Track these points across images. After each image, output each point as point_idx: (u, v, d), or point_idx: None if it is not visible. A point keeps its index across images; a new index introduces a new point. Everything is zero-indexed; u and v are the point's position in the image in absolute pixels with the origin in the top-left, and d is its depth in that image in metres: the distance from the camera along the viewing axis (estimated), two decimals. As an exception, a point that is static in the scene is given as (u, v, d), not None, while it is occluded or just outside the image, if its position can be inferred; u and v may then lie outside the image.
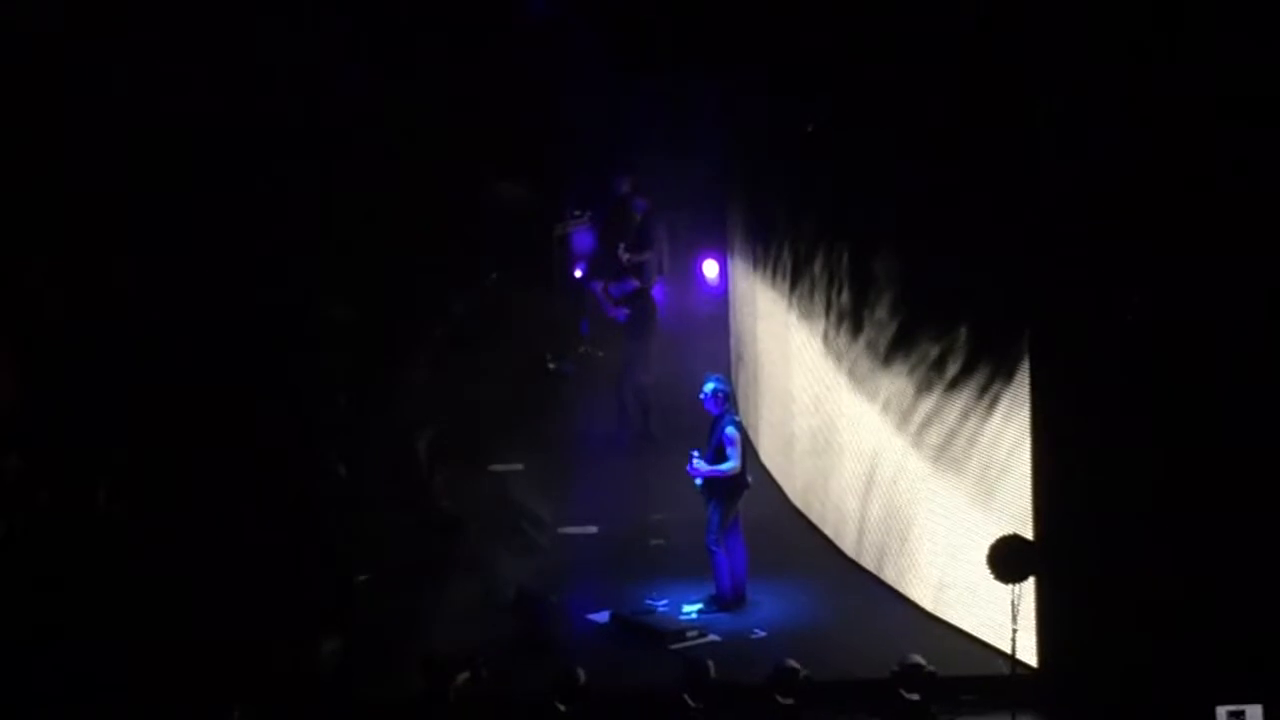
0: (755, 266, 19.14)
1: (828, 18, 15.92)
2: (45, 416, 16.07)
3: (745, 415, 17.86)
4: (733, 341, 20.25)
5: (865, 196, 15.76)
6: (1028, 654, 13.85)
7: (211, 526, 15.44)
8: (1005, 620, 13.25)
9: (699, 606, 15.70)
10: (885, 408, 15.93)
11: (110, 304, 18.04)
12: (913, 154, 14.79)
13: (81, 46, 17.26)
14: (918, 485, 15.49)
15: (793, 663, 12.94)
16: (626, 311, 19.57)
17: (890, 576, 15.98)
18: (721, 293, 20.78)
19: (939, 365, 15.07)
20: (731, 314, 20.39)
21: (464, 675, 13.16)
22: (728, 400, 15.84)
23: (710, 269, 20.93)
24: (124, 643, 13.83)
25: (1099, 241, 13.37)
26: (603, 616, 15.69)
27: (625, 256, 19.99)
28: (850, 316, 16.42)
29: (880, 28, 15.04)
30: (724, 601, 15.73)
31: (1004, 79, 13.70)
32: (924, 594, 15.51)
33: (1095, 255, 13.38)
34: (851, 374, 16.48)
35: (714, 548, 15.71)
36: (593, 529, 17.36)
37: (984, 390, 14.53)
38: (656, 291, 19.97)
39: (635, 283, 19.62)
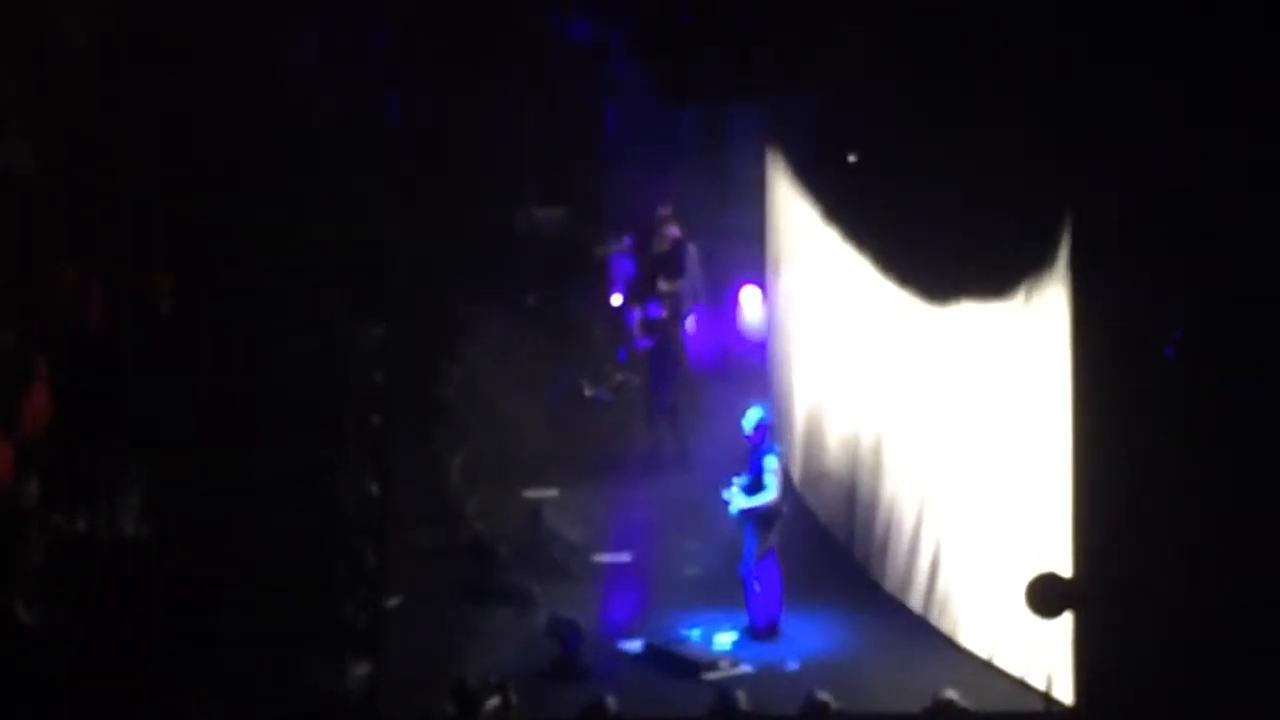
0: (799, 292, 19.03)
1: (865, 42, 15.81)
2: (75, 436, 16.03)
3: (784, 443, 17.75)
4: (773, 369, 20.13)
5: (910, 213, 15.62)
6: (1064, 692, 13.71)
7: (241, 547, 15.39)
8: (1041, 657, 13.13)
9: (733, 636, 15.61)
10: (929, 441, 15.81)
11: (148, 319, 18.03)
12: (953, 171, 14.70)
13: (122, 55, 17.27)
14: (957, 519, 15.36)
15: (824, 695, 12.83)
16: (650, 339, 19.56)
17: (929, 612, 15.84)
18: (762, 320, 20.67)
19: (987, 399, 14.97)
20: (772, 341, 20.28)
21: (494, 701, 13.10)
22: (770, 430, 15.80)
23: (750, 296, 20.83)
24: (152, 664, 13.78)
25: (1148, 263, 13.25)
26: (635, 645, 15.60)
27: (662, 286, 20.02)
28: (897, 342, 16.30)
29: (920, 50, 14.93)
30: (757, 632, 15.64)
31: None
32: (960, 629, 15.38)
33: (1144, 278, 13.27)
34: (898, 404, 16.35)
35: (748, 577, 15.63)
36: (626, 556, 17.28)
37: (1025, 428, 14.41)
38: (692, 320, 19.93)
39: (661, 310, 19.61)
